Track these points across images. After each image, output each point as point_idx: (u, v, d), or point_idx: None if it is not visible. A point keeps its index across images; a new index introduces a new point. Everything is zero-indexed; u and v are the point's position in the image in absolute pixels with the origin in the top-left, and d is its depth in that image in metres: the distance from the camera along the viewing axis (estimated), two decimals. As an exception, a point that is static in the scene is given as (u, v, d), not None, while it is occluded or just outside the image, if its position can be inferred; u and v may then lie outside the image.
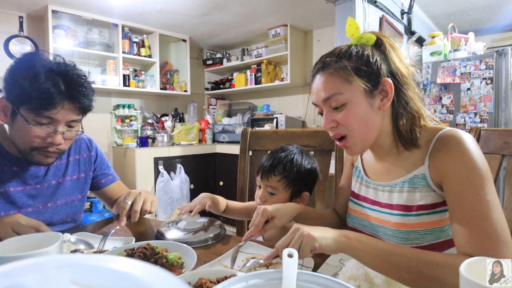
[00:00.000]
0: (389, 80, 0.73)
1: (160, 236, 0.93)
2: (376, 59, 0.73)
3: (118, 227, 0.94)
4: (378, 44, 0.76)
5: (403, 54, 0.77)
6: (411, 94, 0.75)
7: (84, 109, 0.95)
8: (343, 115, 0.74)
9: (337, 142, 0.79)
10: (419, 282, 0.60)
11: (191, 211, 1.00)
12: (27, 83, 0.84)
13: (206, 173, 3.40)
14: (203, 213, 1.02)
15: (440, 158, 0.70)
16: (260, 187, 1.03)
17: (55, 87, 0.86)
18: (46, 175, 1.03)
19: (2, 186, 0.95)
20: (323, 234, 0.64)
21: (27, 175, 1.00)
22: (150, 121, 3.48)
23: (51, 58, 0.91)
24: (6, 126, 0.95)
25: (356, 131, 0.75)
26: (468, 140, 0.68)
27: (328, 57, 0.76)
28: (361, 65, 0.72)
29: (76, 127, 0.96)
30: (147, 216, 1.08)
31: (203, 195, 1.07)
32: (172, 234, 0.93)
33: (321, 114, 0.79)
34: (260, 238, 1.06)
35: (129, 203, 0.98)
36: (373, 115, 0.74)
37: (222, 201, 1.12)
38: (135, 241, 0.87)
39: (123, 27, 3.08)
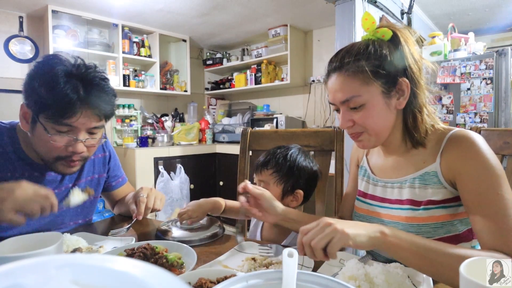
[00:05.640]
0: (406, 80, 0.74)
1: (160, 235, 0.93)
2: (393, 59, 0.73)
3: (134, 220, 0.97)
4: (394, 40, 0.76)
5: (416, 48, 0.77)
6: (419, 92, 0.76)
7: (106, 115, 0.91)
8: (361, 115, 0.75)
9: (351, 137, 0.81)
10: (457, 279, 0.59)
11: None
12: (44, 90, 0.80)
13: (206, 173, 3.40)
14: None
15: (454, 157, 0.72)
16: (256, 184, 1.03)
17: (74, 93, 0.81)
18: (63, 179, 1.01)
19: None
20: (357, 231, 0.61)
21: (46, 180, 0.97)
22: (150, 121, 3.48)
23: (71, 60, 0.86)
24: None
25: (372, 130, 0.76)
26: (480, 140, 0.70)
27: (345, 56, 0.75)
28: (379, 66, 0.73)
29: (98, 134, 0.92)
30: (147, 216, 1.09)
31: (203, 201, 1.02)
32: (172, 233, 0.93)
33: (337, 111, 0.80)
34: (258, 238, 1.06)
35: (145, 197, 0.98)
36: (389, 114, 0.76)
37: (221, 202, 1.12)
38: (135, 241, 0.87)
39: (123, 27, 3.08)
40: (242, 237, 0.87)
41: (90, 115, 0.86)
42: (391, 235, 0.62)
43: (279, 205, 0.87)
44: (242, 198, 0.86)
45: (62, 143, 0.85)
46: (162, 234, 0.93)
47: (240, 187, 0.87)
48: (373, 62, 0.73)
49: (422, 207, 0.75)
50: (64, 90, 0.80)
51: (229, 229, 3.50)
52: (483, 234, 0.66)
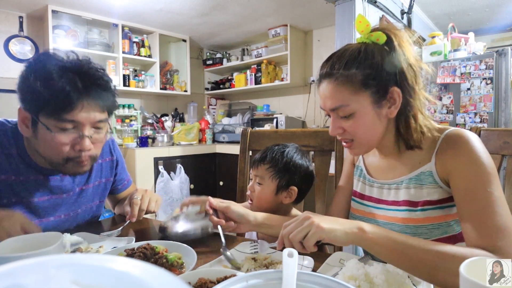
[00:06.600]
0: (397, 89, 0.72)
1: (162, 230, 0.92)
2: (385, 67, 0.71)
3: (128, 222, 0.96)
4: (388, 44, 0.74)
5: (412, 51, 0.75)
6: (412, 100, 0.74)
7: (108, 107, 0.86)
8: (351, 124, 0.75)
9: (343, 143, 0.81)
10: (434, 274, 0.60)
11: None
12: (40, 85, 0.76)
13: (206, 173, 3.40)
14: None
15: (448, 156, 0.72)
16: (252, 179, 1.04)
17: (71, 85, 0.77)
18: (73, 183, 0.99)
19: (27, 195, 0.90)
20: (334, 226, 0.63)
21: (53, 185, 0.94)
22: (150, 121, 3.48)
23: (63, 55, 0.83)
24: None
25: (362, 138, 0.77)
26: (474, 139, 0.70)
27: (336, 63, 0.74)
28: (370, 75, 0.71)
29: (103, 129, 0.88)
30: (147, 216, 1.09)
31: (203, 197, 1.05)
32: (174, 227, 0.91)
33: (329, 115, 0.80)
34: (254, 237, 1.06)
35: (139, 199, 0.98)
36: (379, 123, 0.75)
37: None
38: (135, 241, 0.87)
39: (123, 27, 3.08)
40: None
41: (92, 107, 0.81)
42: (370, 231, 0.63)
43: (249, 213, 0.86)
44: (214, 218, 0.86)
45: (67, 140, 0.80)
46: (165, 229, 0.92)
47: (207, 206, 0.87)
48: (364, 71, 0.71)
49: (418, 208, 0.75)
50: (60, 82, 0.76)
51: (229, 229, 3.51)
52: (468, 231, 0.66)
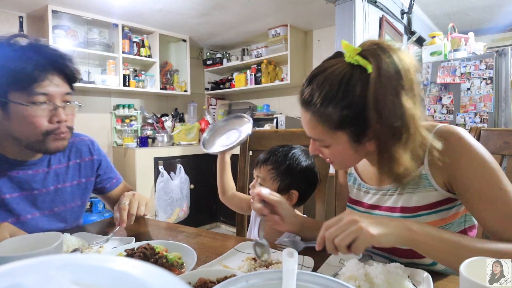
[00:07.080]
0: (378, 127, 0.66)
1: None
2: (365, 107, 0.64)
3: (118, 228, 0.94)
4: (376, 74, 0.65)
5: (401, 87, 0.64)
6: (393, 145, 0.66)
7: (72, 79, 0.91)
8: (328, 152, 0.75)
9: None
10: None
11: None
12: (6, 61, 0.80)
13: (206, 173, 3.39)
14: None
15: (444, 156, 0.69)
16: (254, 178, 1.04)
17: (37, 57, 0.83)
18: (45, 180, 0.98)
19: None
20: (383, 231, 0.60)
21: (25, 180, 0.94)
22: (150, 121, 3.48)
23: (12, 37, 0.87)
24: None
25: (340, 163, 0.78)
26: (466, 135, 0.69)
27: (315, 93, 0.68)
28: (348, 116, 0.66)
29: (71, 102, 0.92)
30: (147, 216, 1.08)
31: None
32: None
33: None
34: (256, 237, 1.06)
35: (127, 204, 0.96)
36: (358, 154, 0.74)
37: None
38: (135, 241, 0.87)
39: (123, 27, 3.08)
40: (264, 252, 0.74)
41: (60, 78, 0.87)
42: (419, 232, 0.62)
43: (298, 215, 0.87)
44: (258, 205, 0.83)
45: (43, 113, 0.84)
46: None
47: (254, 194, 0.84)
48: (341, 112, 0.66)
49: (413, 214, 0.74)
50: (25, 56, 0.81)
51: (229, 229, 3.50)
52: (500, 232, 0.65)
